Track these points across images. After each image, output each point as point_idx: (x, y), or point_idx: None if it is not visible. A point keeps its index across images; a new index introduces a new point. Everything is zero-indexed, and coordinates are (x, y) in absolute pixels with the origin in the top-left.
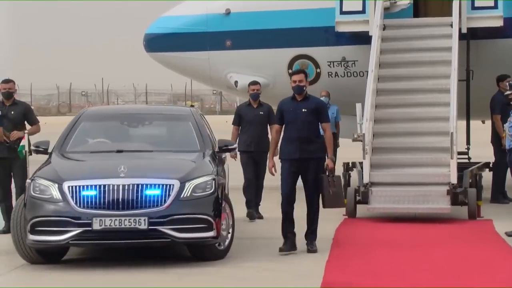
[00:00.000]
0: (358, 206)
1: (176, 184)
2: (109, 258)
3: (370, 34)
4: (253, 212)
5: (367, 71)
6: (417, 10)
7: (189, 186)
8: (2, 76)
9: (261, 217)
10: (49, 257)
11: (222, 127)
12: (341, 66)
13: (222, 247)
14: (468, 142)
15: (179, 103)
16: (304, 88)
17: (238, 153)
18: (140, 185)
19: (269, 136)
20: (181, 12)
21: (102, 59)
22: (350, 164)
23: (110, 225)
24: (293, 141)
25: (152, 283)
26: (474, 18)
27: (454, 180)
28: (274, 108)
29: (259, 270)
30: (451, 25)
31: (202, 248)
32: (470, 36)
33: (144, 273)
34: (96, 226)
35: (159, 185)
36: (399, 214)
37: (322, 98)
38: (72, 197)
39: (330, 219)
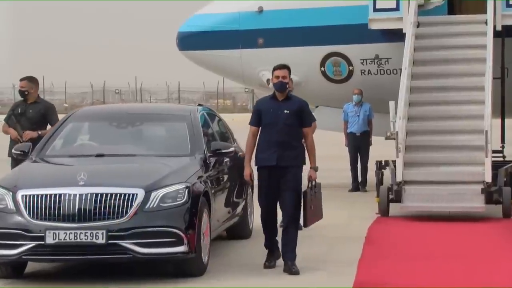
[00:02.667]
0: (391, 204)
1: (140, 193)
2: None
3: (403, 31)
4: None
5: (401, 69)
6: (452, 7)
7: (156, 195)
8: (39, 74)
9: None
10: (8, 271)
11: None
12: (374, 63)
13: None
14: (502, 140)
15: (211, 101)
16: (287, 85)
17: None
18: (98, 195)
19: None
20: (214, 10)
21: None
22: (383, 162)
23: (64, 239)
24: (271, 146)
25: None
26: (509, 16)
27: (488, 178)
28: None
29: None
30: (486, 23)
31: (181, 263)
32: (505, 33)
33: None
34: (49, 240)
35: (120, 194)
36: (432, 213)
37: (354, 97)
38: (25, 207)
39: (363, 218)
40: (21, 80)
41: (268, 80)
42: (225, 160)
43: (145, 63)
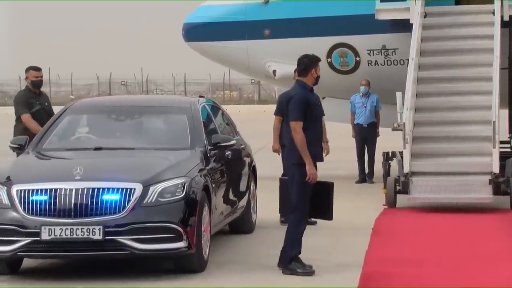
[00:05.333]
0: (398, 196)
1: (138, 188)
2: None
3: (411, 21)
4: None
5: (408, 60)
6: None
7: (154, 190)
8: (44, 65)
9: (313, 222)
10: (3, 268)
11: (261, 116)
12: (381, 54)
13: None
14: (510, 131)
15: (217, 93)
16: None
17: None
18: (95, 189)
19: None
20: (220, 1)
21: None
22: (390, 153)
23: (60, 235)
24: (320, 141)
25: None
26: None
27: (496, 169)
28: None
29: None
30: (493, 13)
31: (181, 259)
32: None
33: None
34: (45, 236)
35: (117, 189)
36: (440, 204)
37: (362, 87)
38: (20, 202)
39: (370, 209)
40: (35, 69)
41: (274, 71)
42: (227, 153)
43: (151, 54)
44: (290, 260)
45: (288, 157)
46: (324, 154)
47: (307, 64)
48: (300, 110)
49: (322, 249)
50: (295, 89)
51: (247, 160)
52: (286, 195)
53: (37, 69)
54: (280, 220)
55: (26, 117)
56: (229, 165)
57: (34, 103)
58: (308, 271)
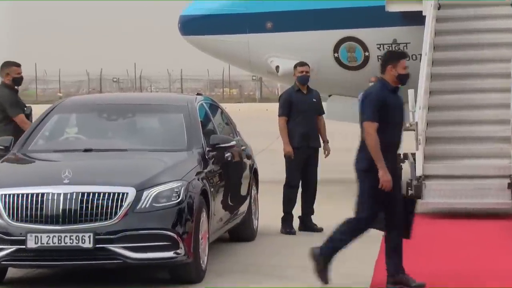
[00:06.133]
0: None
1: (131, 192)
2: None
3: (423, 14)
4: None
5: (420, 54)
6: None
7: (148, 194)
8: (30, 61)
9: (319, 229)
10: None
11: (263, 115)
12: (392, 49)
13: None
14: None
15: (216, 90)
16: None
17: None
18: (85, 194)
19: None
20: None
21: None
22: (402, 155)
23: (47, 243)
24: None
25: None
26: None
27: None
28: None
29: (304, 270)
30: (511, 5)
31: (177, 269)
32: None
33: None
34: (31, 243)
35: (109, 193)
36: (454, 209)
37: (371, 84)
38: (4, 208)
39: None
40: (17, 65)
41: (277, 67)
42: (227, 155)
43: (145, 48)
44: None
45: (357, 163)
46: (324, 155)
47: (384, 60)
48: (374, 110)
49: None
50: (374, 86)
51: (248, 162)
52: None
53: (19, 64)
54: (281, 229)
55: (21, 118)
56: (228, 168)
57: (22, 102)
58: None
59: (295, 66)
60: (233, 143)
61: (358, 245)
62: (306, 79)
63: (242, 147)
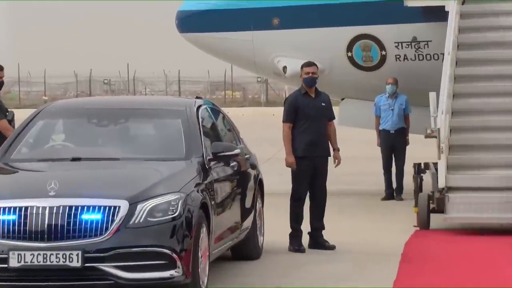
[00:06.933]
0: (432, 215)
1: (124, 205)
2: None
3: (446, 9)
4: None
5: (443, 54)
6: None
7: (142, 208)
8: (13, 61)
9: (331, 247)
10: None
11: (268, 121)
12: (412, 47)
13: None
14: None
15: (217, 93)
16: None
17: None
18: (73, 208)
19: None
20: None
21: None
22: (422, 165)
23: (31, 262)
24: None
25: None
26: None
27: None
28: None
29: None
30: None
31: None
32: None
33: None
34: (13, 262)
35: (99, 207)
36: (481, 225)
37: (388, 87)
38: None
39: (399, 231)
40: (1, 68)
41: (284, 68)
42: (231, 164)
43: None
44: None
45: None
46: (334, 165)
47: None
48: None
49: (344, 278)
50: None
51: (252, 172)
52: None
53: (1, 67)
54: (289, 247)
55: (3, 124)
56: (231, 179)
57: (4, 106)
58: None
59: (302, 67)
60: (237, 151)
61: (373, 265)
62: (312, 81)
63: (246, 156)
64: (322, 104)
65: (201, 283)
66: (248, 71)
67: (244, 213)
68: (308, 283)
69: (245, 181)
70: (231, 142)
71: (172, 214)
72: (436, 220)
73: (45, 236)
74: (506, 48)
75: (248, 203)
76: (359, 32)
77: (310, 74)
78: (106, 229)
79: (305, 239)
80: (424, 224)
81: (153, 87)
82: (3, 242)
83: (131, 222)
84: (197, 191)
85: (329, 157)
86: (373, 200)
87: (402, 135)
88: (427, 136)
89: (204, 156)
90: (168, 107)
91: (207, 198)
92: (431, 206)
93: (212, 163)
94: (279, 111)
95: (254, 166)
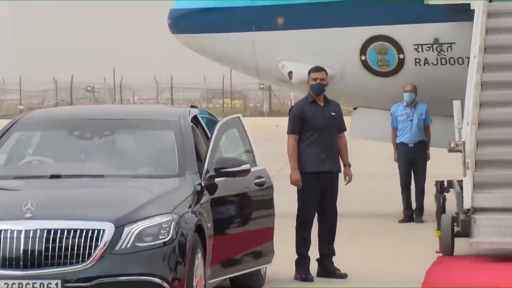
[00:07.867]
0: (456, 240)
1: (109, 228)
2: None
3: (472, 7)
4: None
5: (468, 58)
6: None
7: (130, 231)
8: None
9: (343, 275)
10: None
11: (272, 133)
12: (433, 50)
13: None
14: None
15: (214, 102)
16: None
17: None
18: (51, 231)
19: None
20: None
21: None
22: (446, 183)
23: None
24: None
25: None
26: None
27: None
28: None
29: None
30: None
31: None
32: None
33: None
34: None
35: (81, 230)
36: (511, 250)
37: (406, 95)
38: None
39: (420, 257)
40: None
41: (290, 73)
42: (232, 181)
43: (126, 51)
44: None
45: None
46: (345, 182)
47: None
48: None
49: None
50: None
51: (263, 192)
52: None
53: None
54: (295, 275)
55: None
56: (231, 197)
57: None
58: None
59: (309, 72)
60: (245, 166)
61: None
62: (320, 88)
63: (257, 172)
64: (332, 113)
65: None
66: (249, 77)
67: (251, 238)
68: None
69: (254, 201)
70: (238, 157)
71: (164, 239)
72: (461, 245)
73: (21, 263)
74: None
75: (256, 226)
76: (374, 33)
77: (319, 81)
78: (89, 255)
79: (313, 267)
80: (447, 249)
81: (142, 94)
82: None
83: (117, 248)
84: (192, 212)
85: (339, 174)
86: (390, 222)
87: (422, 149)
88: (450, 150)
89: (203, 173)
90: (159, 118)
91: (202, 220)
92: (456, 229)
93: (212, 180)
94: (284, 121)
95: (263, 184)
